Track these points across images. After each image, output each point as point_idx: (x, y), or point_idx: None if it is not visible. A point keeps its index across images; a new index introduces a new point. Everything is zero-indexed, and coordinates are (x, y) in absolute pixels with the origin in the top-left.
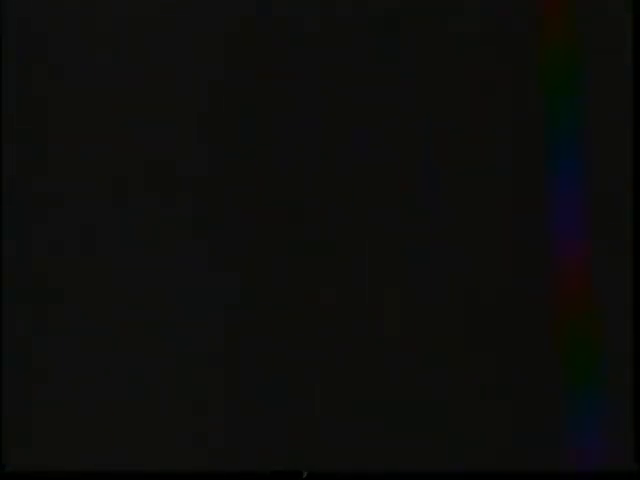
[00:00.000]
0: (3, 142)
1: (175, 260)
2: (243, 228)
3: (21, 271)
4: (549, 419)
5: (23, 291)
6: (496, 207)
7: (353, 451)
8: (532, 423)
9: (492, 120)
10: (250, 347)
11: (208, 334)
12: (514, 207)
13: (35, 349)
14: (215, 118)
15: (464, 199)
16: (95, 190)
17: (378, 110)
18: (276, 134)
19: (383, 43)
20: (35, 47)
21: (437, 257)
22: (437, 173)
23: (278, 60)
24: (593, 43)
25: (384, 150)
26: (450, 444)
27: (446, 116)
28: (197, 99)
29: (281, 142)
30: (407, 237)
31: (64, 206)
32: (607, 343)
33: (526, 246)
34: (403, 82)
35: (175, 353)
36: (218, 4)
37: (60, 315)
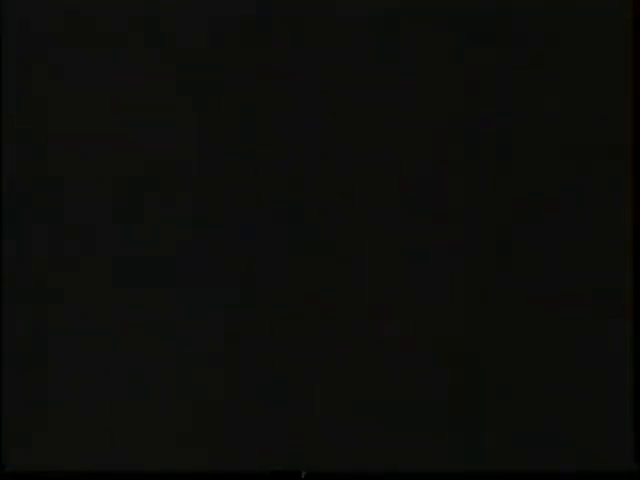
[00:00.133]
0: (3, 142)
1: (175, 260)
2: (243, 228)
3: (21, 271)
4: (549, 419)
5: (23, 291)
6: (496, 207)
7: (353, 451)
8: (532, 423)
9: (492, 120)
10: (250, 347)
11: (208, 334)
12: (514, 207)
13: (35, 349)
14: (215, 118)
15: (465, 199)
16: (95, 190)
17: (378, 110)
18: (275, 134)
19: (383, 43)
20: (35, 47)
21: (437, 258)
22: (437, 173)
23: (278, 60)
24: (593, 43)
25: (384, 150)
26: (450, 444)
27: (447, 116)
28: (197, 99)
29: (281, 142)
30: (407, 237)
31: (64, 206)
32: (607, 343)
33: (526, 246)
34: (403, 82)
35: (175, 353)
36: (218, 3)
37: (60, 315)
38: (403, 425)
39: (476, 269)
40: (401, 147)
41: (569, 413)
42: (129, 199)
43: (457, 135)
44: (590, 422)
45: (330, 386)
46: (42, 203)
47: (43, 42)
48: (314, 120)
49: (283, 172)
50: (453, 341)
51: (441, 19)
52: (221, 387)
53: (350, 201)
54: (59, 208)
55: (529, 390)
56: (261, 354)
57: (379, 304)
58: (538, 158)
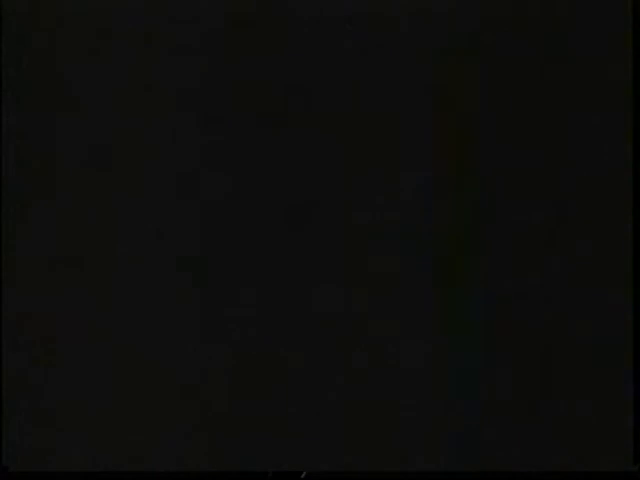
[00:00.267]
0: (3, 142)
1: (175, 260)
2: (243, 228)
3: (21, 271)
4: (549, 420)
5: (23, 291)
6: (495, 207)
7: (353, 451)
8: (532, 424)
9: (491, 120)
10: (250, 347)
11: (208, 334)
12: (513, 207)
13: (35, 349)
14: (215, 117)
15: (465, 199)
16: (95, 190)
17: (379, 110)
18: (275, 135)
19: (384, 43)
20: (35, 46)
21: (438, 258)
22: (438, 173)
23: (278, 60)
24: (592, 43)
25: (386, 150)
26: (450, 444)
27: (448, 116)
28: (196, 99)
29: (280, 142)
30: (408, 238)
31: (64, 208)
32: (607, 343)
33: (526, 247)
34: (404, 82)
35: (175, 353)
36: (218, 3)
37: (60, 315)
38: (403, 425)
39: (476, 270)
40: (403, 147)
41: (569, 414)
42: (129, 198)
43: (458, 135)
44: (589, 423)
45: (330, 386)
46: (42, 205)
47: (43, 41)
48: (313, 120)
49: (282, 172)
50: (453, 341)
51: (441, 19)
52: (221, 387)
53: (350, 201)
54: (59, 210)
55: (529, 390)
56: (261, 354)
57: (379, 304)
58: (537, 157)
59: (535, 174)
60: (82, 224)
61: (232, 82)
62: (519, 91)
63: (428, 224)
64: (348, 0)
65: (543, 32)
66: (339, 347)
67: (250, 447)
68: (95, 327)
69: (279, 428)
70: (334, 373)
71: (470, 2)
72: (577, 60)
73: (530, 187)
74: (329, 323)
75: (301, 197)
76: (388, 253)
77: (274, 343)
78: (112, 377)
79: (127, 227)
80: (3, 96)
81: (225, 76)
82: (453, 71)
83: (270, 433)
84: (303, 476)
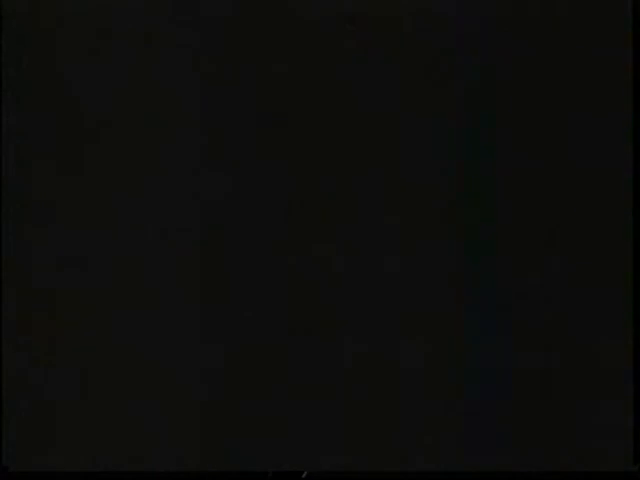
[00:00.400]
0: (3, 142)
1: (175, 260)
2: (243, 228)
3: (21, 270)
4: (549, 420)
5: (23, 290)
6: (495, 206)
7: (353, 451)
8: (532, 424)
9: (491, 120)
10: (250, 347)
11: (208, 334)
12: (514, 206)
13: (35, 349)
14: (214, 117)
15: (466, 199)
16: (96, 191)
17: (381, 111)
18: (276, 136)
19: (385, 43)
20: (36, 46)
21: (438, 260)
22: (438, 174)
23: (279, 61)
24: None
25: (386, 151)
26: (450, 444)
27: (450, 117)
28: (196, 98)
29: (280, 142)
30: (409, 240)
31: (63, 208)
32: (607, 344)
33: (525, 247)
34: (405, 83)
35: (175, 353)
36: (219, 3)
37: (60, 314)
38: (403, 425)
39: (475, 268)
40: (404, 148)
41: (569, 414)
42: (129, 197)
43: (459, 135)
44: (589, 423)
45: (330, 386)
46: (42, 209)
47: (44, 41)
48: (313, 120)
49: (282, 173)
50: (454, 341)
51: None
52: (221, 387)
53: (350, 202)
54: (58, 214)
55: (529, 391)
56: (261, 354)
57: (379, 305)
58: (536, 157)
59: (535, 174)
60: (82, 224)
61: (232, 82)
62: (518, 91)
63: (428, 224)
64: (348, 0)
65: (543, 32)
66: (339, 347)
67: (250, 447)
68: (95, 327)
69: (279, 428)
70: (334, 373)
71: (470, 2)
72: (577, 60)
73: (530, 187)
74: (330, 323)
75: (301, 197)
76: (389, 254)
77: (274, 343)
78: (112, 377)
79: (127, 227)
80: (3, 96)
81: (225, 76)
82: (453, 71)
83: (270, 433)
84: (304, 476)
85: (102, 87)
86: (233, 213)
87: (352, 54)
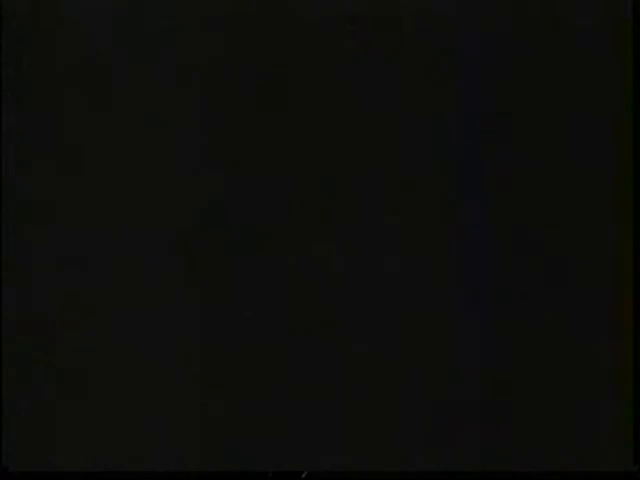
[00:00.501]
0: (3, 142)
1: (175, 260)
2: (244, 228)
3: (21, 270)
4: (548, 419)
5: (23, 290)
6: (495, 205)
7: (353, 451)
8: (532, 423)
9: (491, 119)
10: (250, 347)
11: (208, 334)
12: (513, 206)
13: (35, 349)
14: (214, 118)
15: (466, 199)
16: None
17: (381, 112)
18: (275, 136)
19: (386, 44)
20: (36, 45)
21: (438, 260)
22: (437, 175)
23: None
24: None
25: (387, 152)
26: (450, 444)
27: (450, 117)
28: (196, 98)
29: (279, 142)
30: (409, 241)
31: (63, 208)
32: (607, 344)
33: (525, 247)
34: (406, 83)
35: (175, 352)
36: (219, 3)
37: (60, 314)
38: (403, 425)
39: (475, 271)
40: (405, 148)
41: (569, 414)
42: (129, 197)
43: (459, 136)
44: (589, 423)
45: (330, 386)
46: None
47: (44, 40)
48: (313, 121)
49: (282, 173)
50: (453, 342)
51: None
52: (221, 387)
53: (350, 202)
54: (58, 214)
55: (529, 390)
56: (261, 354)
57: (379, 305)
58: (536, 157)
59: (535, 174)
60: (81, 224)
61: (232, 82)
62: (518, 91)
63: (428, 224)
64: (348, 0)
65: (543, 32)
66: (339, 347)
67: (250, 447)
68: (95, 327)
69: (279, 428)
70: (334, 373)
71: (470, 2)
72: (577, 60)
73: (530, 187)
74: (330, 323)
75: (301, 197)
76: (389, 254)
77: (274, 343)
78: (112, 377)
79: (127, 227)
80: (3, 96)
81: (225, 76)
82: (453, 71)
83: (270, 433)
84: (304, 476)
85: (102, 87)
86: (233, 213)
87: (352, 54)
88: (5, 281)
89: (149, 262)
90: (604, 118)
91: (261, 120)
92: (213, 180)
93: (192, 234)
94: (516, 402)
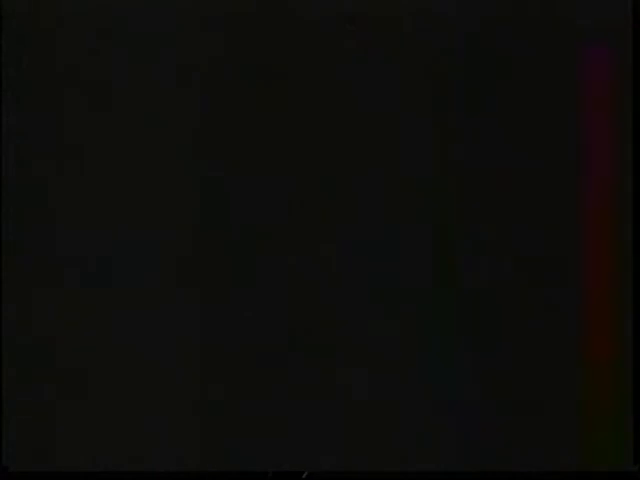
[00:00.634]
0: (3, 142)
1: (175, 260)
2: (244, 228)
3: (21, 270)
4: (548, 419)
5: (23, 289)
6: (495, 205)
7: (353, 451)
8: (531, 423)
9: (491, 120)
10: (250, 347)
11: (209, 334)
12: (513, 206)
13: (35, 349)
14: (214, 118)
15: (466, 199)
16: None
17: (382, 112)
18: (274, 136)
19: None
20: (36, 45)
21: (438, 260)
22: (436, 173)
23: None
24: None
25: (388, 153)
26: (450, 444)
27: (450, 117)
28: (196, 98)
29: (279, 143)
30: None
31: (63, 208)
32: (607, 343)
33: (525, 247)
34: (406, 84)
35: (175, 352)
36: (219, 3)
37: (60, 314)
38: (404, 425)
39: (476, 270)
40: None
41: (569, 414)
42: (128, 196)
43: (460, 136)
44: (589, 423)
45: (330, 386)
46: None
47: (44, 40)
48: (313, 122)
49: (281, 173)
50: (454, 341)
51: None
52: (221, 387)
53: (351, 202)
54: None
55: (529, 390)
56: (261, 354)
57: (379, 305)
58: (536, 157)
59: (536, 174)
60: (81, 224)
61: (232, 83)
62: (518, 91)
63: (428, 224)
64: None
65: (542, 32)
66: (339, 347)
67: (250, 447)
68: (95, 327)
69: (279, 428)
70: (334, 373)
71: (470, 2)
72: (576, 60)
73: (531, 187)
74: (330, 323)
75: (301, 197)
76: (389, 254)
77: (274, 343)
78: (112, 377)
79: (127, 227)
80: (3, 96)
81: (225, 76)
82: (453, 71)
83: (270, 433)
84: (304, 476)
85: (102, 87)
86: (233, 213)
87: (352, 54)
88: (5, 281)
89: (149, 262)
90: (604, 118)
91: (261, 120)
92: (213, 180)
93: (192, 234)
94: (516, 402)
